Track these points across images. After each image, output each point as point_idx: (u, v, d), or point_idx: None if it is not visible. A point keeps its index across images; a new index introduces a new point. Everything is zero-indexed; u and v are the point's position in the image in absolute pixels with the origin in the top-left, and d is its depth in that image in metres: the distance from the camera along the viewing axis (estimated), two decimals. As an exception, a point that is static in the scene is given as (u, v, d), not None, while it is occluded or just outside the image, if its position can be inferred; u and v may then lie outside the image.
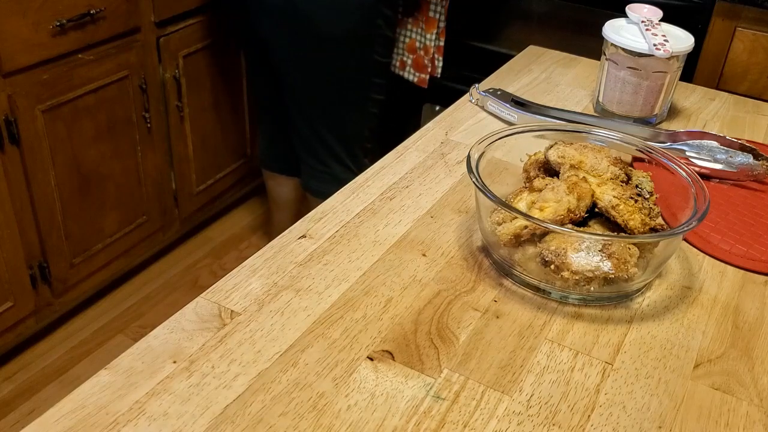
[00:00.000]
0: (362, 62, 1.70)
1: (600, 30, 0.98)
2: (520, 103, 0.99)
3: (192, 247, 2.17)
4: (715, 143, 0.89)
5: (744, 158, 0.87)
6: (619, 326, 0.65)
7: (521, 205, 0.70)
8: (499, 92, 1.01)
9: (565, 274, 0.64)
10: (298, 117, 1.77)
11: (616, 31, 0.97)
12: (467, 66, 1.96)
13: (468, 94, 1.03)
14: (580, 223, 0.69)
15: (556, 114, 0.97)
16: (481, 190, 0.66)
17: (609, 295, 0.67)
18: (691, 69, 1.60)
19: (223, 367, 0.57)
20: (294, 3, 1.59)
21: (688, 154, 0.89)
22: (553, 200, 0.66)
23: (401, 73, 2.03)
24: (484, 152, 0.72)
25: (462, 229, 0.76)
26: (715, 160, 0.88)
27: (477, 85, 1.03)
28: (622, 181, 0.72)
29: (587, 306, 0.67)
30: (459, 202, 0.80)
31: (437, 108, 2.06)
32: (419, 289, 0.67)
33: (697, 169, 0.85)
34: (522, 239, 0.67)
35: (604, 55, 0.99)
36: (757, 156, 0.87)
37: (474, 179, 0.67)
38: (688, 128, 0.98)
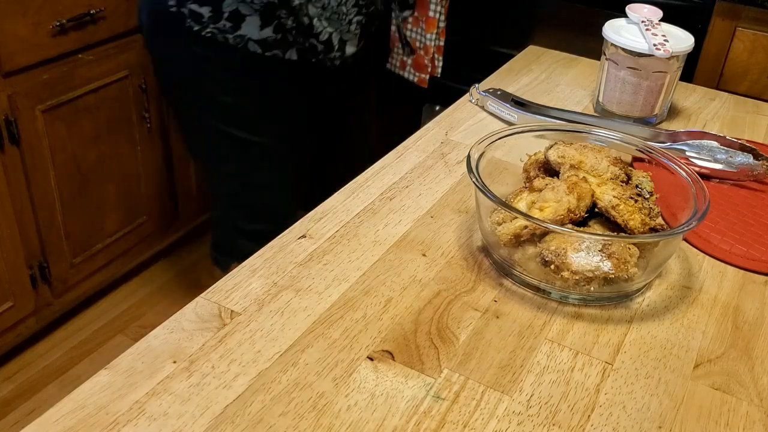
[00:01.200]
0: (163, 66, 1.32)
1: (600, 30, 0.98)
2: (520, 103, 0.99)
3: (192, 247, 2.17)
4: (715, 143, 0.89)
5: (744, 158, 0.87)
6: (619, 326, 0.65)
7: (521, 205, 0.70)
8: (499, 92, 1.01)
9: (565, 274, 0.64)
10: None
11: (616, 31, 0.97)
12: (467, 66, 1.96)
13: (468, 94, 1.03)
14: (580, 223, 0.69)
15: (556, 114, 0.97)
16: (481, 190, 0.66)
17: (609, 295, 0.67)
18: (691, 69, 1.60)
19: (223, 367, 0.57)
20: None
21: (688, 154, 0.89)
22: (553, 200, 0.66)
23: (401, 73, 2.03)
24: (484, 152, 0.72)
25: (462, 229, 0.76)
26: (715, 160, 0.88)
27: (477, 85, 1.03)
28: (622, 181, 0.72)
29: (587, 306, 0.67)
30: (459, 202, 0.80)
31: (437, 108, 2.06)
32: (419, 289, 0.67)
33: (697, 169, 0.85)
34: (522, 239, 0.67)
35: (604, 55, 0.99)
36: (757, 156, 0.87)
37: (474, 179, 0.67)
38: (688, 128, 0.98)
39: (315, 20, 1.16)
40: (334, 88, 1.37)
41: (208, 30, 1.13)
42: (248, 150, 1.29)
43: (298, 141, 1.35)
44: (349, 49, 1.25)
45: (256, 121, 1.27)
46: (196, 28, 1.14)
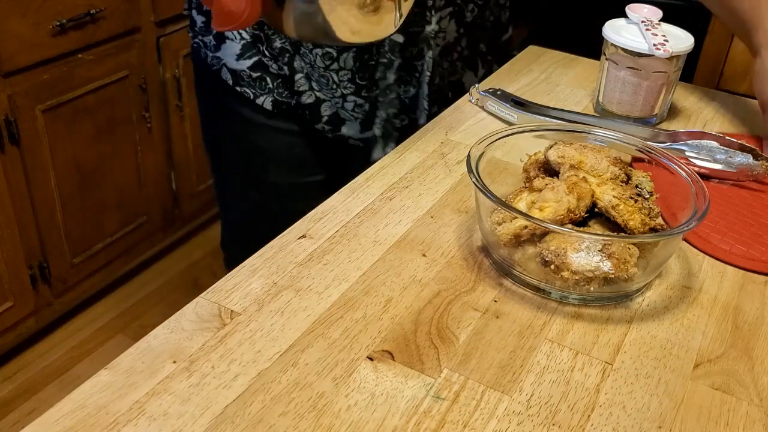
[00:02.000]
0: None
1: (600, 30, 0.98)
2: (520, 103, 0.99)
3: (192, 247, 2.18)
4: (714, 143, 0.89)
5: (744, 158, 0.87)
6: (619, 326, 0.65)
7: (521, 205, 0.70)
8: (499, 92, 1.01)
9: (565, 274, 0.64)
10: None
11: (616, 31, 0.97)
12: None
13: (468, 94, 1.03)
14: (580, 223, 0.69)
15: (556, 114, 0.97)
16: (481, 190, 0.66)
17: (609, 295, 0.67)
18: (691, 69, 1.60)
19: (223, 367, 0.57)
20: None
21: (687, 154, 0.89)
22: (553, 200, 0.66)
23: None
24: (484, 152, 0.72)
25: (462, 229, 0.76)
26: (715, 160, 0.88)
27: (477, 85, 1.03)
28: (622, 181, 0.72)
29: (587, 306, 0.67)
30: (459, 202, 0.80)
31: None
32: (419, 289, 0.67)
33: (697, 169, 0.85)
34: (522, 239, 0.67)
35: (604, 55, 0.99)
36: (756, 156, 0.87)
37: (474, 179, 0.67)
38: (688, 128, 0.98)
39: (299, 75, 0.99)
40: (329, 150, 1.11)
41: (196, 40, 1.04)
42: (220, 185, 1.19)
43: (285, 185, 1.13)
44: (348, 131, 1.05)
45: (228, 155, 1.12)
46: (190, 34, 1.06)
